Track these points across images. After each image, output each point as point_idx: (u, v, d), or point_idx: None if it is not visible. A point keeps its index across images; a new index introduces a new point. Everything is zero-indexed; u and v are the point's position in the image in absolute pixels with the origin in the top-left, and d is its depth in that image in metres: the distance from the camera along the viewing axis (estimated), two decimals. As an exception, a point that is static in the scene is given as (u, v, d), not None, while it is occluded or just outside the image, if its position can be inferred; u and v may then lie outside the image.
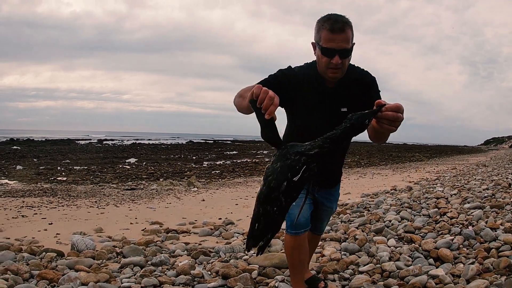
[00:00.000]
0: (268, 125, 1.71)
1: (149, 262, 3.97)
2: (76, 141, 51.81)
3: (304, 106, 2.65)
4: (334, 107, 2.60)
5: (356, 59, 2.72)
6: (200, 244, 4.81)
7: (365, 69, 2.71)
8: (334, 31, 2.34)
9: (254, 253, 3.94)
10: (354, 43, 2.46)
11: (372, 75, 2.69)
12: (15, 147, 35.52)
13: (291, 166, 1.58)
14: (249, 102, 1.75)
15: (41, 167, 18.58)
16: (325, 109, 2.61)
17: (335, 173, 2.96)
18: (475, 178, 10.13)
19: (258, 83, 2.33)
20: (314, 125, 2.58)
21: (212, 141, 66.23)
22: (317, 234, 3.24)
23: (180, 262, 3.95)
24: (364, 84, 2.62)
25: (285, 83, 2.54)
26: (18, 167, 18.35)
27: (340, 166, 3.02)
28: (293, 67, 2.67)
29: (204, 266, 3.90)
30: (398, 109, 1.72)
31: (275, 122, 1.73)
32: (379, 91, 2.67)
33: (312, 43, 2.51)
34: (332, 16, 2.39)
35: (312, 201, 2.88)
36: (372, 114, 1.68)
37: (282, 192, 1.57)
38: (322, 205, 2.97)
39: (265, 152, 34.05)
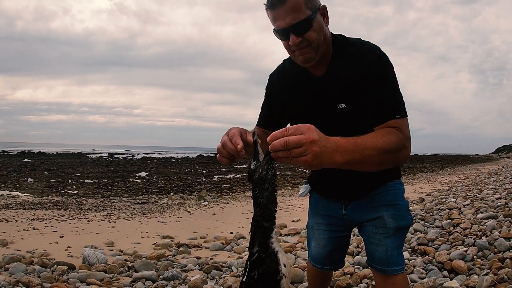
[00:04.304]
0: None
1: (161, 277, 3.96)
2: (87, 155, 52.15)
3: (294, 109, 2.11)
4: (328, 103, 1.96)
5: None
6: (211, 259, 4.78)
7: (371, 43, 1.93)
8: (275, 6, 1.80)
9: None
10: (318, 7, 1.85)
11: (381, 50, 1.89)
12: (26, 160, 35.86)
13: None
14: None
15: (52, 180, 18.69)
16: (316, 106, 2.00)
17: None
18: (488, 187, 10.03)
19: (257, 125, 2.21)
20: None
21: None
22: (386, 273, 2.05)
23: (192, 276, 3.93)
24: (367, 66, 1.85)
25: (274, 97, 2.15)
26: (29, 179, 18.49)
27: None
28: (273, 71, 2.19)
29: (216, 280, 3.88)
30: (283, 132, 1.35)
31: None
32: (393, 76, 1.87)
33: None
34: None
35: (343, 235, 2.27)
36: (265, 161, 1.49)
37: None
38: (364, 221, 2.13)
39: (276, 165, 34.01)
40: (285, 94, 2.08)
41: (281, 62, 2.16)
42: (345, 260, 2.42)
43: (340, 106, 1.92)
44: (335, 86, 1.92)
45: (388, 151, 1.61)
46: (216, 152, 1.68)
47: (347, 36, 1.98)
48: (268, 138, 1.36)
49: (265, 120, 2.19)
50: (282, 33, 1.83)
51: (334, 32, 1.97)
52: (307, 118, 1.89)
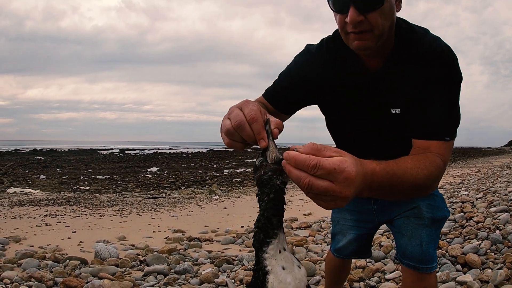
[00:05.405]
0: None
1: (172, 270, 3.97)
2: (99, 151, 52.40)
3: (335, 106, 1.76)
4: (380, 105, 1.64)
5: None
6: (223, 252, 4.79)
7: (441, 41, 1.57)
8: None
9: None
10: None
11: (453, 53, 1.55)
12: (38, 157, 36.06)
13: None
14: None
15: (64, 177, 18.82)
16: (365, 106, 1.67)
17: None
18: (500, 181, 9.94)
19: (263, 94, 1.79)
20: (352, 137, 1.76)
21: (232, 149, 66.29)
22: (419, 271, 1.79)
23: (204, 270, 3.94)
24: (433, 70, 1.51)
25: (302, 76, 1.71)
26: (42, 176, 18.63)
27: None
28: (313, 45, 1.75)
29: (227, 274, 3.88)
30: (310, 168, 0.95)
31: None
32: (458, 89, 1.55)
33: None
34: None
35: (371, 233, 2.13)
36: (272, 168, 1.11)
37: None
38: (396, 215, 1.87)
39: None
40: (320, 77, 1.69)
41: (327, 35, 1.73)
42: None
43: (394, 111, 1.60)
44: (391, 86, 1.59)
45: (422, 188, 1.33)
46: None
47: (412, 24, 1.61)
48: (285, 155, 1.00)
49: (276, 92, 1.77)
50: (340, 3, 1.42)
51: None
52: (351, 119, 1.73)
